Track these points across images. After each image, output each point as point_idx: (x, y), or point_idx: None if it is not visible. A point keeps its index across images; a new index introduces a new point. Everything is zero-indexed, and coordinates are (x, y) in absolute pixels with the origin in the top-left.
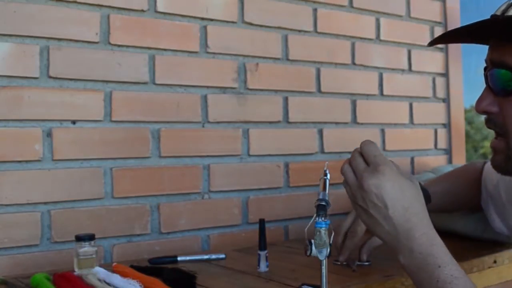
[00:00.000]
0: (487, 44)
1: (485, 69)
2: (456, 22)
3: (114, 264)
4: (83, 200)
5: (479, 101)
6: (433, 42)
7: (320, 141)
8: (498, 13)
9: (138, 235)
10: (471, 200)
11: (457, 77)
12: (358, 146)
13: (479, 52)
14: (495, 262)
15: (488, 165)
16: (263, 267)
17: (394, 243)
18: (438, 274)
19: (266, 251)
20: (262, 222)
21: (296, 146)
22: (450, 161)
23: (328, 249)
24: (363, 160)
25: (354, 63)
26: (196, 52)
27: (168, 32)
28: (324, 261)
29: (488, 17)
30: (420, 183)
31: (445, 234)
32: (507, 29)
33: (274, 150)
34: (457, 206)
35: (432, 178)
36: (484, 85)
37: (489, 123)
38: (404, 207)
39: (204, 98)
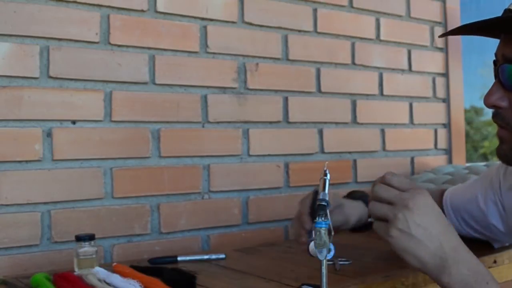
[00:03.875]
0: (498, 38)
1: (495, 63)
2: (456, 22)
3: (114, 264)
4: (83, 200)
5: (489, 95)
6: (445, 35)
7: (320, 141)
8: None
9: (138, 235)
10: None
11: (457, 77)
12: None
13: (479, 52)
14: (495, 262)
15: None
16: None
17: (438, 262)
18: None
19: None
20: None
21: (296, 146)
22: (450, 161)
23: (332, 251)
24: (392, 188)
25: (354, 63)
26: (196, 52)
27: (168, 32)
28: (324, 261)
29: (489, 16)
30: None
31: None
32: None
33: (274, 150)
34: None
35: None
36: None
37: (496, 117)
38: (445, 226)
39: (204, 98)
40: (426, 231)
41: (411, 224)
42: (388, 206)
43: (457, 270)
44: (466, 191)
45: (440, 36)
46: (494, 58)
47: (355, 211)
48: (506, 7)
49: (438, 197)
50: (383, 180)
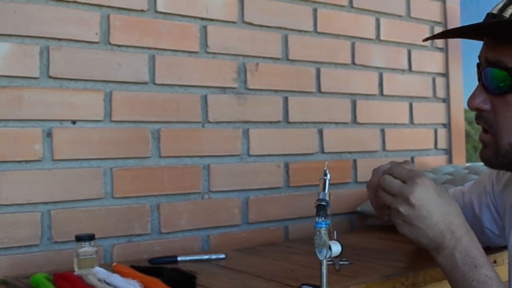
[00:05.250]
0: (481, 40)
1: (478, 66)
2: (456, 22)
3: (114, 264)
4: (83, 200)
5: (472, 98)
6: (429, 38)
7: (320, 141)
8: (495, 11)
9: (138, 235)
10: None
11: (457, 77)
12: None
13: (479, 52)
14: (495, 262)
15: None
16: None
17: (436, 246)
18: (473, 273)
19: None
20: None
21: (296, 146)
22: (450, 161)
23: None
24: (395, 179)
25: (354, 63)
26: (196, 52)
27: (168, 32)
28: (324, 261)
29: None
30: None
31: None
32: (505, 30)
33: (274, 150)
34: None
35: None
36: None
37: (479, 119)
38: (446, 212)
39: (204, 98)
40: (425, 221)
41: (412, 216)
42: (391, 198)
43: (450, 253)
44: (464, 195)
45: (424, 40)
46: (478, 61)
47: None
48: (489, 11)
49: None
50: (387, 171)
